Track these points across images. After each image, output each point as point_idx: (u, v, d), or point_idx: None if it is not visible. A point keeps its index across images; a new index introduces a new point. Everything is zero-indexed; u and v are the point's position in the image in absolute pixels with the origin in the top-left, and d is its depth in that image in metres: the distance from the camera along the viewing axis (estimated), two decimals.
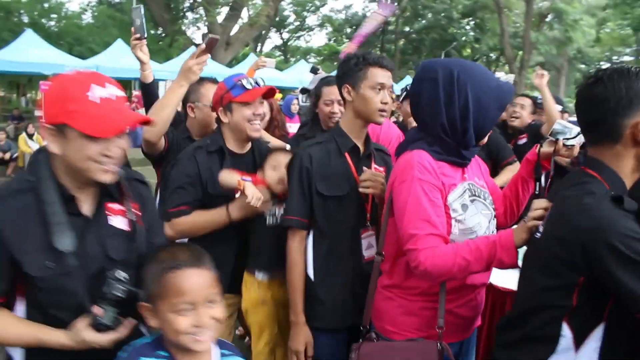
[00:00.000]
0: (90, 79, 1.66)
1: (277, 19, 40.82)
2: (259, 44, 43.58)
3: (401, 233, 2.00)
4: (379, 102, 2.43)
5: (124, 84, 16.47)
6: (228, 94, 2.70)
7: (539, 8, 33.55)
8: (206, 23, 28.42)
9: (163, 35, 31.86)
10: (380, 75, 2.42)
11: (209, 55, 2.74)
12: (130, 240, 1.76)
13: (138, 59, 3.07)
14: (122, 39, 19.60)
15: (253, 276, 2.71)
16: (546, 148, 2.34)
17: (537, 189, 2.38)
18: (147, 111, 2.99)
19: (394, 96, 4.32)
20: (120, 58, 17.68)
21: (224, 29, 26.16)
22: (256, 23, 27.17)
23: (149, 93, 3.27)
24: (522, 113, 5.48)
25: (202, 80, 3.19)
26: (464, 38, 42.24)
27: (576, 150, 2.33)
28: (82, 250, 1.67)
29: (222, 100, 2.70)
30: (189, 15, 36.25)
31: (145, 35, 3.02)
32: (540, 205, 1.86)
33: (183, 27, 32.20)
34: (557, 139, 2.34)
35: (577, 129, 2.28)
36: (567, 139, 2.35)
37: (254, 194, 2.47)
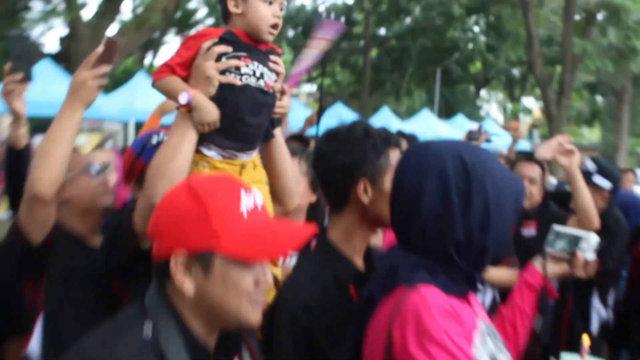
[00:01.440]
0: (237, 184, 1.66)
1: (179, 14, 35.36)
2: (151, 55, 38.26)
3: None
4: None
5: None
6: (139, 162, 2.77)
7: (584, 4, 28.33)
8: (66, 21, 23.33)
9: None
10: None
11: (110, 65, 2.49)
12: None
13: (12, 111, 2.77)
14: None
15: None
16: (556, 267, 2.37)
17: (541, 325, 2.25)
18: (13, 189, 2.92)
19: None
20: None
21: (94, 31, 21.42)
22: (145, 23, 22.81)
23: (19, 163, 2.90)
24: (531, 190, 4.67)
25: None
26: (470, 46, 36.89)
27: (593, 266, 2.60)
28: None
29: (134, 170, 2.82)
30: (36, 6, 28.55)
31: (32, 78, 2.74)
32: None
33: (25, 27, 26.16)
34: (574, 253, 2.39)
35: (593, 236, 2.42)
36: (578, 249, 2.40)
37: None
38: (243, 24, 2.39)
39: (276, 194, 2.64)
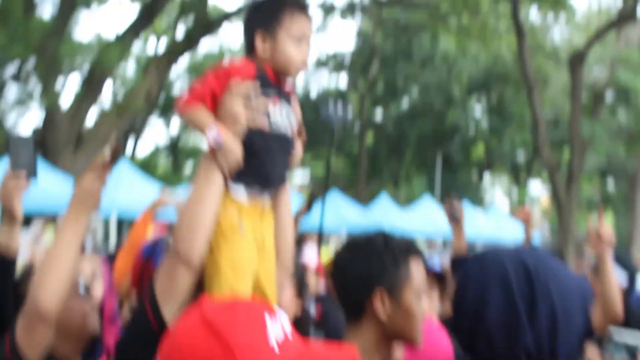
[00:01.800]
0: (259, 310, 1.56)
1: (163, 98, 34.97)
2: (133, 141, 37.47)
3: None
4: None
5: None
6: (148, 266, 2.94)
7: (591, 83, 27.82)
8: (42, 107, 24.36)
9: None
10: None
11: (111, 169, 2.56)
12: None
13: (9, 212, 2.79)
14: None
15: None
16: None
17: None
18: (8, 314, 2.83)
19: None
20: None
21: (72, 118, 20.97)
22: (127, 108, 22.06)
23: (8, 276, 2.93)
24: None
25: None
26: (472, 129, 37.13)
27: None
28: None
29: (143, 275, 2.94)
30: (9, 92, 30.31)
31: (36, 175, 2.82)
32: None
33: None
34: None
35: None
36: None
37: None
38: (270, 60, 2.41)
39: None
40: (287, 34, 2.36)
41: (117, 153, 2.53)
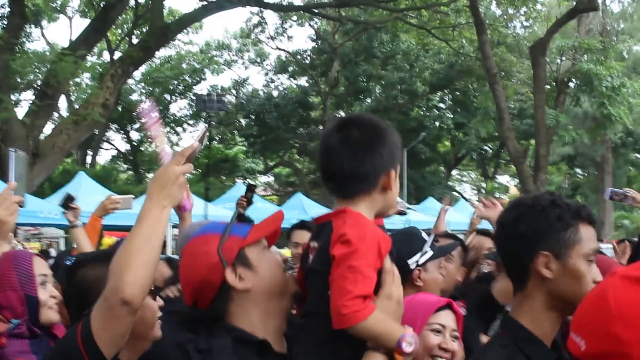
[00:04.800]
0: None
1: (121, 107, 34.99)
2: (91, 154, 38.08)
3: None
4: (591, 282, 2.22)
5: None
6: (234, 239, 2.31)
7: (554, 71, 28.66)
8: None
9: None
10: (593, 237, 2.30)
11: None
12: None
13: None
14: None
15: None
16: None
17: None
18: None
19: None
20: None
21: (28, 130, 21.16)
22: (85, 119, 22.00)
23: None
24: None
25: None
26: (437, 123, 36.28)
27: None
28: None
29: (230, 251, 2.31)
30: None
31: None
32: None
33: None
34: None
35: None
36: None
37: None
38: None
39: None
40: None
41: (204, 137, 2.45)
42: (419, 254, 3.39)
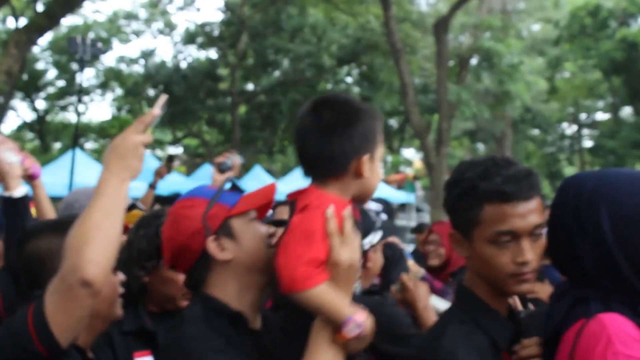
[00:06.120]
0: None
1: (26, 77, 34.80)
2: None
3: None
4: (509, 263, 2.11)
5: None
6: (221, 207, 2.20)
7: (457, 48, 29.39)
8: None
9: None
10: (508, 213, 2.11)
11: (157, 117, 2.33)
12: None
13: None
14: None
15: None
16: None
17: None
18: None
19: None
20: None
21: None
22: None
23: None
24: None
25: None
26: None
27: None
28: None
29: (215, 220, 2.21)
30: None
31: None
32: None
33: None
34: None
35: None
36: None
37: None
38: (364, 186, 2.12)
39: None
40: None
41: (163, 106, 2.29)
42: (372, 234, 3.31)
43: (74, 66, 36.63)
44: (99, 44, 15.95)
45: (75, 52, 15.28)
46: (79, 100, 21.95)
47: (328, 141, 1.98)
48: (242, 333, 2.09)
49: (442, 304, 3.23)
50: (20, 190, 3.01)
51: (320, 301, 1.89)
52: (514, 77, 28.71)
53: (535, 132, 41.71)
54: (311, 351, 1.96)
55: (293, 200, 2.07)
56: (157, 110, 2.22)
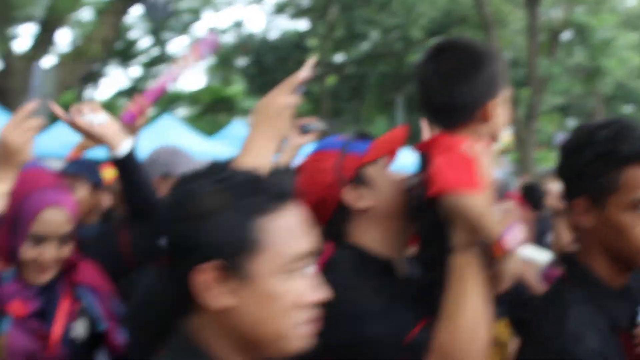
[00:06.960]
0: None
1: (120, 44, 34.79)
2: (91, 89, 37.62)
3: None
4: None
5: None
6: (352, 156, 2.17)
7: (548, 22, 28.66)
8: None
9: None
10: None
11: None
12: None
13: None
14: None
15: None
16: None
17: None
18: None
19: None
20: None
21: (28, 64, 19.73)
22: (85, 54, 21.65)
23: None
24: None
25: None
26: None
27: None
28: None
29: (348, 170, 2.18)
30: None
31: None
32: None
33: None
34: None
35: None
36: None
37: None
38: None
39: None
40: None
41: (312, 69, 2.27)
42: None
43: (167, 35, 37.83)
44: (170, 6, 16.02)
45: (149, 13, 15.52)
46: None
47: (452, 90, 1.92)
48: (392, 281, 2.06)
49: (538, 255, 3.04)
50: (123, 147, 2.86)
51: (477, 211, 1.76)
52: (607, 53, 27.97)
53: (629, 108, 39.94)
54: (457, 292, 1.82)
55: (423, 151, 2.06)
56: (305, 72, 2.20)
